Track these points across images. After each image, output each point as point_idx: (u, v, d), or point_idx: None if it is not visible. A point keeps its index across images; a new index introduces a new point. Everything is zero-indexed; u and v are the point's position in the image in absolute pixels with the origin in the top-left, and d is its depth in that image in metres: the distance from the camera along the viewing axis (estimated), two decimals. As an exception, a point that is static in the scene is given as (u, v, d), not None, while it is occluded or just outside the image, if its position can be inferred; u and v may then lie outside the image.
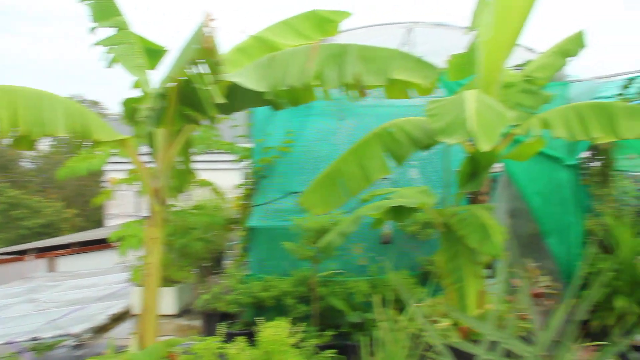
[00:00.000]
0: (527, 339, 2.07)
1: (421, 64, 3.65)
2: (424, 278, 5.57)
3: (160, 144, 4.18)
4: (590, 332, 5.20)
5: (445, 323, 4.38)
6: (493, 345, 1.87)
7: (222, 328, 4.83)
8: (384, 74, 3.57)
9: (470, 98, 3.52)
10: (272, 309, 5.59)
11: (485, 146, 3.21)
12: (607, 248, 5.71)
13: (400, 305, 4.44)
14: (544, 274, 5.33)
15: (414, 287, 5.44)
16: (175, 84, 3.65)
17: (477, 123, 3.25)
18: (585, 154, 6.06)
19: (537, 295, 4.43)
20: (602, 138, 4.23)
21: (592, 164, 6.04)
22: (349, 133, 5.95)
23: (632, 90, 5.75)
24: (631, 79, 5.89)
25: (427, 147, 4.37)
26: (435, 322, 4.48)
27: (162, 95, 3.64)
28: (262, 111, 6.04)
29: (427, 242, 5.71)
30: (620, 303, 5.44)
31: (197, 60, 3.44)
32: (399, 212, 4.61)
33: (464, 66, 4.87)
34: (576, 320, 5.88)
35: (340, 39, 5.02)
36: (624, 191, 6.27)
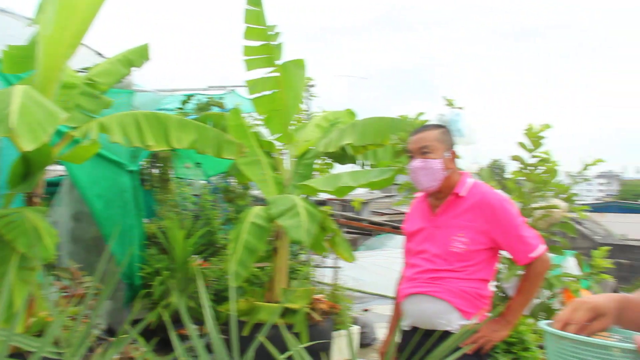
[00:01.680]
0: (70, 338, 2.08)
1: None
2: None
3: None
4: (151, 327, 5.49)
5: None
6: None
7: None
8: None
9: (18, 93, 3.31)
10: None
11: (28, 146, 3.09)
12: (165, 249, 6.15)
13: None
14: (99, 276, 5.40)
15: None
16: None
17: (20, 121, 3.08)
18: (148, 161, 6.42)
19: (80, 296, 4.46)
20: (156, 146, 4.51)
21: (153, 171, 6.44)
22: None
23: (189, 105, 6.36)
24: (189, 96, 6.51)
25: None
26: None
27: None
28: None
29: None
30: (174, 299, 5.92)
31: None
32: None
33: (23, 59, 4.59)
34: (133, 318, 6.15)
35: None
36: (183, 197, 6.86)
